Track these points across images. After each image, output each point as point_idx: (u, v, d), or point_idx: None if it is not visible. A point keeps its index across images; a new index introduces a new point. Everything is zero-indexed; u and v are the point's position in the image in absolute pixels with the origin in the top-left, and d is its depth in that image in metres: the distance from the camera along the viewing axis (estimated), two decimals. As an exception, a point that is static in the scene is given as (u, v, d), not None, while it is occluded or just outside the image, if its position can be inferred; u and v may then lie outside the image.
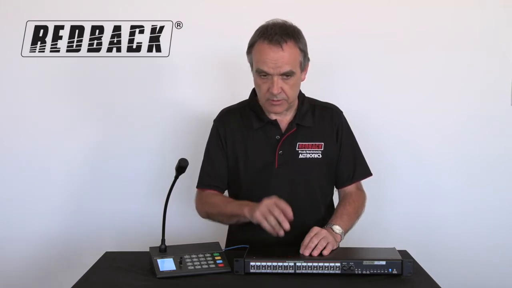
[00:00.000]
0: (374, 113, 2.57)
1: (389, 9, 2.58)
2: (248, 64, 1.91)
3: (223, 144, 1.98)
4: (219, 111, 2.05)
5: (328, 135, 1.97)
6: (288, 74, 1.82)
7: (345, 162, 2.00)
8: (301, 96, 1.99)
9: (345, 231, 1.86)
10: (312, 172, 1.95)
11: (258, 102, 1.97)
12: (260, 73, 1.84)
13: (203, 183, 2.01)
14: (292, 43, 1.82)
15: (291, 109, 1.96)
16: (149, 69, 2.60)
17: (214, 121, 2.04)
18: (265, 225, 1.72)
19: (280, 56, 1.79)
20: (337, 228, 1.83)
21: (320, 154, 1.95)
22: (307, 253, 1.69)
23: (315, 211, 1.98)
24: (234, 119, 2.00)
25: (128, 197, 2.63)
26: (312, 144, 1.95)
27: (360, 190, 2.04)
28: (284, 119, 1.96)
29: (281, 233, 1.71)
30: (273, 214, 1.72)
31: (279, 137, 1.94)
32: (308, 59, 1.90)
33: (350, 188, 2.02)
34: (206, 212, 1.98)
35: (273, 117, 1.95)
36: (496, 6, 2.57)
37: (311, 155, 1.95)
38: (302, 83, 1.93)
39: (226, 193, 2.05)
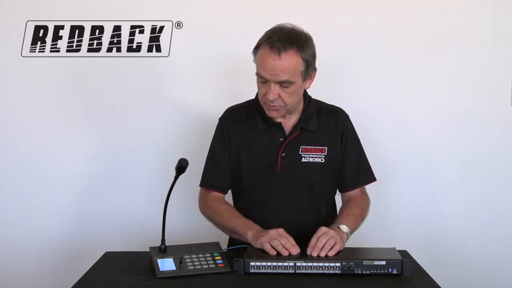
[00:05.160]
0: (375, 113, 2.57)
1: (390, 10, 2.58)
2: (253, 64, 1.90)
3: (227, 143, 1.97)
4: (219, 111, 2.05)
5: (332, 139, 1.96)
6: (285, 83, 1.79)
7: (349, 166, 1.99)
8: (307, 98, 1.97)
9: (352, 231, 1.86)
10: (314, 176, 1.94)
11: None
12: (259, 77, 1.83)
13: (207, 183, 2.00)
14: (293, 51, 1.77)
15: (296, 112, 1.94)
16: (149, 69, 2.60)
17: (219, 119, 2.03)
18: (268, 247, 1.70)
19: (278, 65, 1.76)
20: (344, 227, 1.83)
21: (323, 159, 1.94)
22: (315, 254, 1.68)
23: (317, 214, 1.97)
24: (239, 118, 1.99)
25: (128, 197, 2.63)
26: (316, 148, 1.93)
27: (364, 193, 2.04)
28: (288, 122, 1.94)
29: (285, 253, 1.70)
30: (280, 241, 1.71)
31: (282, 139, 1.93)
32: (315, 69, 1.86)
33: (354, 192, 2.01)
34: (208, 216, 1.98)
35: (277, 119, 1.93)
36: (496, 6, 2.57)
37: (314, 159, 1.93)
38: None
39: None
